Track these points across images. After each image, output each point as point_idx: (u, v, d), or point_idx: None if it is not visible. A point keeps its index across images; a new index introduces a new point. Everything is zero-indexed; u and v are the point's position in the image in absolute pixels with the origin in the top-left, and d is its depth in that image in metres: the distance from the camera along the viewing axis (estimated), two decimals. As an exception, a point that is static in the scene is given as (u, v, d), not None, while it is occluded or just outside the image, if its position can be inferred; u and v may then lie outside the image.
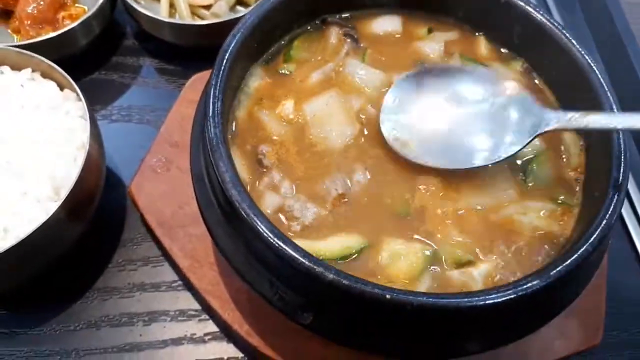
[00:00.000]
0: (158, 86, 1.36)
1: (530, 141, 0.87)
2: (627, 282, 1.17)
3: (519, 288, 0.71)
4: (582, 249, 0.74)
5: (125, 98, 1.33)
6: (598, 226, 0.76)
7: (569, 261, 0.73)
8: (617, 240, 1.21)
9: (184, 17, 1.36)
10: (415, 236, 0.85)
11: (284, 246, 0.71)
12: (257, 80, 0.98)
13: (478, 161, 0.89)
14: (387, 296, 0.68)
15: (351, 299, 0.70)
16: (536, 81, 1.03)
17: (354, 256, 0.83)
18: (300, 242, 0.75)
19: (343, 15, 1.07)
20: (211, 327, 1.05)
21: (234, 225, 0.77)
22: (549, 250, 0.86)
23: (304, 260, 0.70)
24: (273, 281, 0.76)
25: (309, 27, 1.05)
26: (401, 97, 0.95)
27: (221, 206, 0.79)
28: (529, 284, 0.71)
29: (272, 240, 0.71)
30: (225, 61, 0.85)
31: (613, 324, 1.09)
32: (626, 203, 1.27)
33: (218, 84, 0.83)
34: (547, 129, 0.85)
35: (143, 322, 1.05)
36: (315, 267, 0.70)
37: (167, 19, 1.31)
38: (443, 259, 0.83)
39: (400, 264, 0.82)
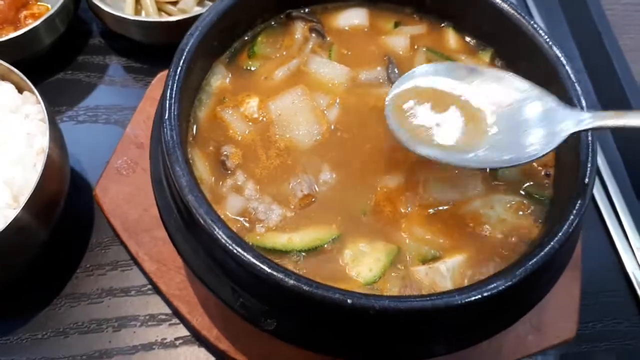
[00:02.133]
0: (125, 85, 1.33)
1: (561, 142, 0.76)
2: (602, 271, 1.16)
3: (484, 289, 0.69)
4: (548, 247, 0.73)
5: (92, 98, 1.30)
6: (564, 224, 0.74)
7: (534, 260, 0.71)
8: (591, 229, 1.20)
9: (150, 14, 1.32)
10: (380, 235, 0.83)
11: (242, 253, 0.69)
12: (219, 79, 0.95)
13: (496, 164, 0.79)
14: (349, 301, 0.67)
15: (313, 305, 0.68)
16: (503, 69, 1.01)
17: (324, 245, 0.82)
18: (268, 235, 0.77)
19: (308, 9, 1.04)
20: (182, 331, 1.03)
21: (192, 231, 0.75)
22: (518, 243, 0.84)
23: (263, 267, 0.68)
24: (235, 288, 0.74)
25: (273, 23, 1.03)
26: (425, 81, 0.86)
27: (180, 212, 0.77)
28: (494, 284, 0.70)
29: (230, 247, 0.69)
30: (182, 61, 0.83)
31: (588, 315, 1.09)
32: (601, 190, 1.26)
33: (174, 86, 0.80)
34: (580, 128, 0.76)
35: (112, 327, 1.03)
36: (275, 273, 0.68)
37: (132, 17, 1.27)
38: (408, 257, 0.82)
39: (365, 263, 0.81)
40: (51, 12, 1.24)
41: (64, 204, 1.05)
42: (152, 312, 1.05)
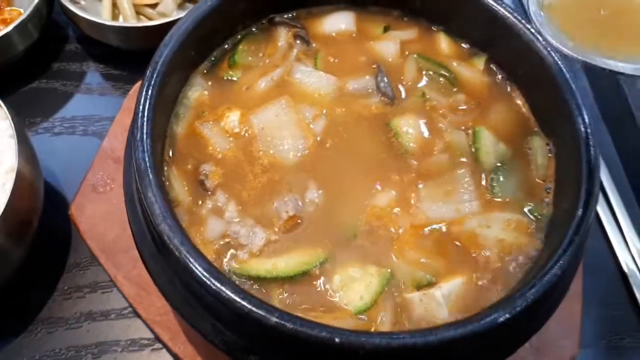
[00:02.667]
0: (104, 93, 1.27)
1: None
2: (603, 283, 1.12)
3: (482, 322, 0.64)
4: (549, 274, 0.67)
5: (68, 108, 1.24)
6: (566, 248, 0.69)
7: (535, 288, 0.66)
8: (590, 237, 1.15)
9: (128, 18, 1.26)
10: (371, 258, 0.78)
11: (220, 287, 0.64)
12: (197, 91, 0.89)
13: None
14: (337, 340, 0.61)
15: (298, 343, 0.63)
16: (499, 77, 0.95)
17: (311, 270, 0.76)
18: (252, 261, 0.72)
19: (291, 14, 0.98)
20: (165, 356, 0.98)
21: (167, 261, 0.70)
22: (517, 266, 0.79)
23: (243, 303, 0.63)
24: (214, 323, 0.68)
25: (254, 29, 0.97)
26: None
27: (154, 239, 0.71)
28: (493, 316, 0.65)
29: (207, 281, 0.64)
30: (155, 75, 0.77)
31: (590, 331, 1.04)
32: (600, 196, 1.21)
33: (147, 103, 0.75)
34: None
35: (92, 354, 0.98)
36: (256, 310, 0.63)
37: (109, 22, 1.21)
38: (402, 282, 0.77)
39: (355, 289, 0.75)
40: (23, 16, 1.17)
41: (39, 223, 1.00)
42: (133, 336, 1.00)
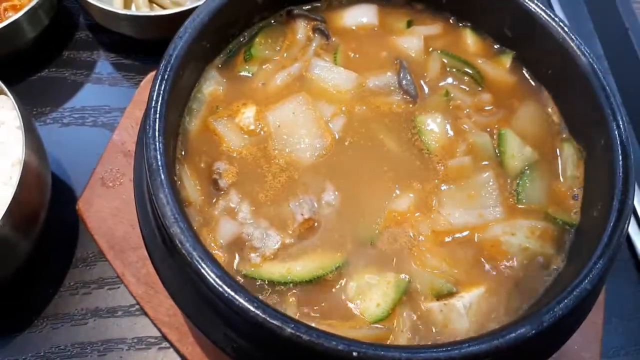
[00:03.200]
0: (114, 83, 1.23)
1: None
2: (625, 291, 1.08)
3: (507, 337, 0.61)
4: (579, 288, 0.64)
5: (78, 98, 1.21)
6: (597, 261, 0.66)
7: (564, 303, 0.63)
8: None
9: (141, 7, 1.23)
10: (389, 265, 0.75)
11: (233, 295, 0.61)
12: (212, 85, 0.86)
13: None
14: (354, 354, 0.58)
15: (313, 355, 0.60)
16: (527, 77, 0.91)
17: (327, 275, 0.73)
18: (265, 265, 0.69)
19: (311, 6, 0.94)
20: (172, 356, 0.96)
21: (179, 265, 0.67)
22: (542, 276, 0.76)
23: (257, 312, 0.60)
24: (226, 331, 0.66)
25: (272, 21, 0.93)
26: None
27: (165, 243, 0.68)
28: (519, 331, 0.61)
29: (219, 288, 0.61)
30: (168, 69, 0.73)
31: (610, 341, 1.01)
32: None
33: (160, 98, 0.71)
34: None
35: (98, 352, 0.96)
36: (270, 320, 0.59)
37: (122, 11, 1.17)
38: (421, 290, 0.74)
39: (372, 297, 0.72)
40: (33, 3, 1.14)
41: (46, 216, 0.97)
42: (140, 334, 0.98)
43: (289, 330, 0.59)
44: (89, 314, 0.99)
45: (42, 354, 0.95)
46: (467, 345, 0.60)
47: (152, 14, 1.18)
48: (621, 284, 1.08)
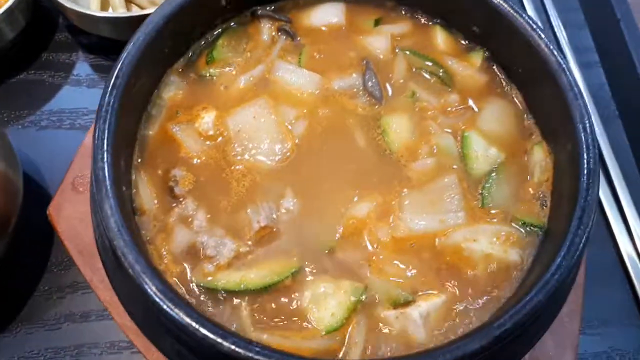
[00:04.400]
0: (93, 85, 1.23)
1: None
2: (608, 297, 1.04)
3: (456, 352, 0.59)
4: (533, 301, 0.62)
5: (56, 100, 1.20)
6: (556, 271, 0.63)
7: (515, 319, 0.61)
8: (600, 250, 1.07)
9: (117, 8, 1.21)
10: (346, 273, 0.73)
11: (175, 310, 0.60)
12: (172, 90, 0.85)
13: None
14: (296, 369, 0.57)
15: (255, 370, 0.59)
16: (497, 76, 0.88)
17: (283, 281, 0.72)
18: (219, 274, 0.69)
19: (276, 6, 0.92)
20: (144, 360, 0.96)
21: (125, 277, 0.66)
22: (505, 284, 0.74)
23: (196, 327, 0.59)
24: (173, 343, 0.65)
25: (232, 24, 0.91)
26: None
27: (114, 253, 0.68)
28: (468, 345, 0.60)
29: (160, 302, 0.60)
30: (118, 77, 0.72)
31: (590, 346, 0.98)
32: (610, 196, 1.13)
33: (109, 107, 0.70)
34: None
35: (71, 356, 0.96)
36: (210, 334, 0.59)
37: (98, 13, 1.16)
38: (377, 299, 0.72)
39: (327, 305, 0.71)
40: (9, 3, 1.13)
41: (18, 221, 0.97)
42: (112, 339, 0.98)
43: (227, 345, 0.58)
44: (62, 319, 0.99)
45: (15, 358, 0.96)
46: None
47: (130, 14, 1.16)
48: (606, 290, 1.05)
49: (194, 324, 0.59)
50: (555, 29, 1.33)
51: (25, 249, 1.03)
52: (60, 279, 1.02)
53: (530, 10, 1.34)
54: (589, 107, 1.06)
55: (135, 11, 1.23)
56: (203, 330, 0.59)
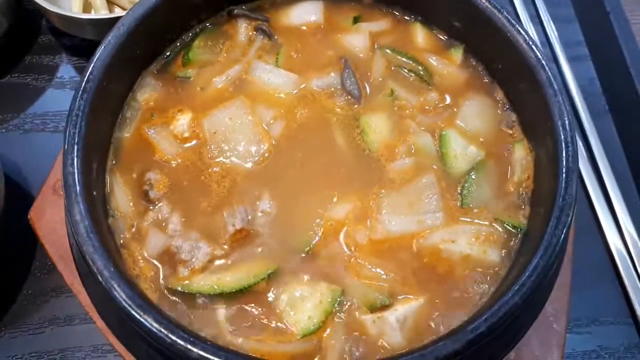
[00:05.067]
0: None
1: None
2: (599, 290, 1.03)
3: (428, 356, 0.58)
4: (508, 304, 0.61)
5: (39, 104, 1.19)
6: (532, 273, 0.62)
7: (492, 320, 0.60)
8: (590, 248, 1.06)
9: (99, 10, 1.21)
10: (323, 276, 0.72)
11: (143, 316, 0.59)
12: (147, 92, 0.84)
13: None
14: (263, 377, 0.57)
15: (225, 377, 0.58)
16: (477, 72, 0.87)
17: (258, 283, 0.71)
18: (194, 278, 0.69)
19: (254, 5, 0.91)
20: (127, 364, 0.95)
21: (95, 283, 0.65)
22: (484, 284, 0.73)
23: (165, 333, 0.59)
24: (147, 349, 0.64)
25: (211, 23, 0.90)
26: None
27: (84, 259, 0.67)
28: (441, 349, 0.59)
29: (129, 309, 0.60)
30: (88, 81, 0.71)
31: (577, 344, 0.97)
32: (598, 189, 1.11)
33: (79, 111, 0.70)
34: None
35: (54, 361, 0.96)
36: (179, 341, 0.58)
37: (80, 15, 1.15)
38: (355, 302, 0.71)
39: (304, 308, 0.70)
40: (-9, 3, 1.13)
41: (0, 224, 0.97)
42: (96, 343, 0.97)
43: (196, 351, 0.58)
44: (46, 322, 0.99)
45: (-2, 363, 0.96)
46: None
47: (111, 16, 1.15)
48: (594, 289, 1.03)
49: (162, 329, 0.58)
50: (545, 23, 1.31)
51: (7, 253, 1.03)
52: (43, 282, 1.02)
53: (519, 4, 1.33)
54: (578, 102, 1.06)
55: (117, 12, 1.22)
56: (172, 336, 0.58)
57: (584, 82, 1.24)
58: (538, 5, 1.33)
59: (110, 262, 0.62)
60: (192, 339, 0.58)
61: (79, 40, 1.23)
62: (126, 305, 0.60)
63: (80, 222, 0.64)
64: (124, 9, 1.24)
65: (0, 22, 1.17)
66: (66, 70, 1.24)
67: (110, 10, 1.24)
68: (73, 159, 0.67)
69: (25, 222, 1.04)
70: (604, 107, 1.23)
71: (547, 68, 0.76)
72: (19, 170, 1.12)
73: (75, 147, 0.68)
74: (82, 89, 0.71)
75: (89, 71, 0.72)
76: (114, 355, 0.97)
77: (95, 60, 0.73)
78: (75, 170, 0.66)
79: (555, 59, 1.26)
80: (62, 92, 1.21)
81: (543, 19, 1.32)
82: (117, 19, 1.11)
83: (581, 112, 1.18)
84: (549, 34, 1.30)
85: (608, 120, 1.21)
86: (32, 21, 1.28)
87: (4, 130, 1.16)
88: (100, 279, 0.61)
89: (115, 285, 0.60)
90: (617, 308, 1.02)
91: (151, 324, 0.59)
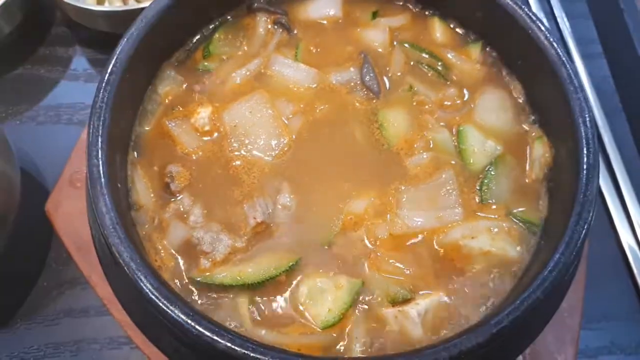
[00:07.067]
0: (91, 80, 1.22)
1: None
2: (611, 287, 1.04)
3: (453, 349, 0.59)
4: (530, 298, 0.61)
5: (53, 95, 1.20)
6: (554, 269, 0.63)
7: (514, 314, 0.60)
8: (603, 247, 1.06)
9: (114, 2, 1.20)
10: (344, 269, 0.73)
11: (170, 308, 0.60)
12: (168, 85, 0.84)
13: None
14: (290, 367, 0.57)
15: (251, 368, 0.59)
16: (495, 68, 0.87)
17: (279, 276, 0.71)
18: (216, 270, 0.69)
19: (273, -1, 0.91)
20: (143, 355, 0.96)
21: (121, 275, 0.66)
22: (502, 282, 0.73)
23: (192, 324, 0.59)
24: (170, 339, 0.65)
25: (228, 17, 0.90)
26: None
27: (110, 251, 0.67)
28: (465, 343, 0.59)
29: (156, 300, 0.60)
30: (112, 74, 0.72)
31: (591, 341, 0.98)
32: (611, 187, 1.11)
33: (103, 103, 0.70)
34: None
35: (70, 352, 0.97)
36: (206, 332, 0.58)
37: (95, 7, 1.15)
38: (376, 296, 0.71)
39: (323, 302, 0.71)
40: (5, -4, 1.13)
41: (16, 217, 0.97)
42: (112, 334, 0.98)
43: (223, 343, 0.58)
44: (62, 314, 0.99)
45: (15, 354, 0.96)
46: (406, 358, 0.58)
47: (126, 8, 1.16)
48: (606, 287, 1.04)
49: (189, 321, 0.59)
50: (558, 20, 1.31)
51: (24, 245, 1.03)
52: (59, 274, 1.03)
53: (533, 1, 1.33)
54: (591, 99, 1.06)
55: (132, 4, 1.22)
56: (199, 328, 0.58)
57: (597, 80, 1.24)
58: (552, 2, 1.33)
59: (136, 254, 0.62)
60: (219, 331, 0.58)
61: (92, 32, 1.23)
62: (153, 297, 0.60)
63: (106, 214, 0.64)
64: (138, 1, 1.23)
65: (15, 14, 1.17)
66: (80, 62, 1.24)
67: (125, 2, 1.23)
68: (98, 151, 0.67)
69: (40, 214, 1.05)
70: (618, 105, 1.23)
71: (567, 65, 0.76)
72: (33, 162, 1.12)
73: (100, 139, 0.68)
74: (105, 81, 0.71)
75: (112, 63, 0.72)
76: (130, 347, 0.97)
77: (118, 52, 0.73)
78: (100, 162, 0.67)
79: (569, 57, 1.26)
80: (76, 84, 1.22)
81: (557, 15, 1.32)
82: (132, 11, 1.14)
83: (595, 110, 1.18)
84: (562, 30, 1.30)
85: (622, 119, 1.21)
86: (46, 13, 1.28)
87: (18, 122, 1.16)
88: (127, 270, 0.61)
89: (142, 277, 0.61)
90: (630, 305, 1.03)
91: (179, 315, 0.59)
